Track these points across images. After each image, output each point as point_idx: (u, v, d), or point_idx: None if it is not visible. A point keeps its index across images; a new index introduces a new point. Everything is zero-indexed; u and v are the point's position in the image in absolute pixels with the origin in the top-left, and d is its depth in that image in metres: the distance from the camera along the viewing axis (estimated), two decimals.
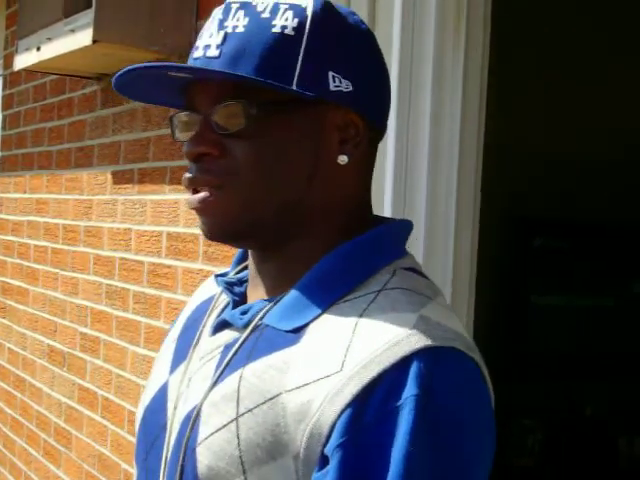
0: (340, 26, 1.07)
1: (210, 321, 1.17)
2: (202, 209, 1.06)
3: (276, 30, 1.03)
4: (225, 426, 1.00)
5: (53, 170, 3.67)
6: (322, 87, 1.04)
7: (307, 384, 0.96)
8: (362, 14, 1.86)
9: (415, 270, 1.10)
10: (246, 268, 1.20)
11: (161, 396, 1.15)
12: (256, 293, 1.12)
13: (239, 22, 1.04)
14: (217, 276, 1.21)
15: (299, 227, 1.08)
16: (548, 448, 4.20)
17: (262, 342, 1.04)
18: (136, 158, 2.93)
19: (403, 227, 1.15)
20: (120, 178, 3.04)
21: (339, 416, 0.93)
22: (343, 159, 1.07)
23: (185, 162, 1.09)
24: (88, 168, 3.31)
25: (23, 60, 3.03)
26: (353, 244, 1.07)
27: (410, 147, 1.92)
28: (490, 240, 3.96)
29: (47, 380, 3.67)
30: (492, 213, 3.89)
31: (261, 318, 1.06)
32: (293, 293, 1.06)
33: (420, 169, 1.93)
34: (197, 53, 1.07)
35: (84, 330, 3.31)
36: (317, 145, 1.06)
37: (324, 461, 0.93)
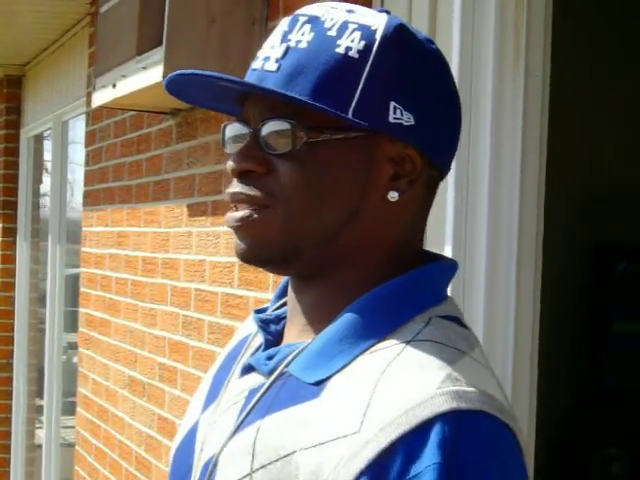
0: (410, 53, 1.00)
1: (243, 361, 1.10)
2: (241, 228, 1.00)
3: (339, 51, 0.96)
4: None
5: (133, 204, 3.74)
6: (380, 118, 0.97)
7: (323, 443, 0.90)
8: None
9: (453, 318, 1.01)
10: (286, 304, 1.11)
11: (190, 437, 1.09)
12: (291, 331, 1.06)
13: (304, 37, 0.98)
14: (256, 312, 1.13)
15: (336, 261, 1.00)
16: (635, 476, 4.12)
17: (284, 393, 0.97)
18: (209, 191, 2.97)
19: (443, 270, 1.05)
20: (195, 211, 3.09)
21: None
22: (393, 195, 0.99)
23: None
24: (165, 201, 3.37)
25: (100, 97, 3.12)
26: (387, 288, 0.99)
27: (471, 176, 1.91)
28: (570, 267, 3.93)
29: (128, 410, 3.73)
30: (571, 239, 3.87)
31: (286, 365, 0.99)
32: (320, 340, 0.99)
33: (481, 203, 1.92)
34: (256, 64, 1.01)
35: (162, 360, 3.36)
36: (367, 177, 0.99)
37: None
